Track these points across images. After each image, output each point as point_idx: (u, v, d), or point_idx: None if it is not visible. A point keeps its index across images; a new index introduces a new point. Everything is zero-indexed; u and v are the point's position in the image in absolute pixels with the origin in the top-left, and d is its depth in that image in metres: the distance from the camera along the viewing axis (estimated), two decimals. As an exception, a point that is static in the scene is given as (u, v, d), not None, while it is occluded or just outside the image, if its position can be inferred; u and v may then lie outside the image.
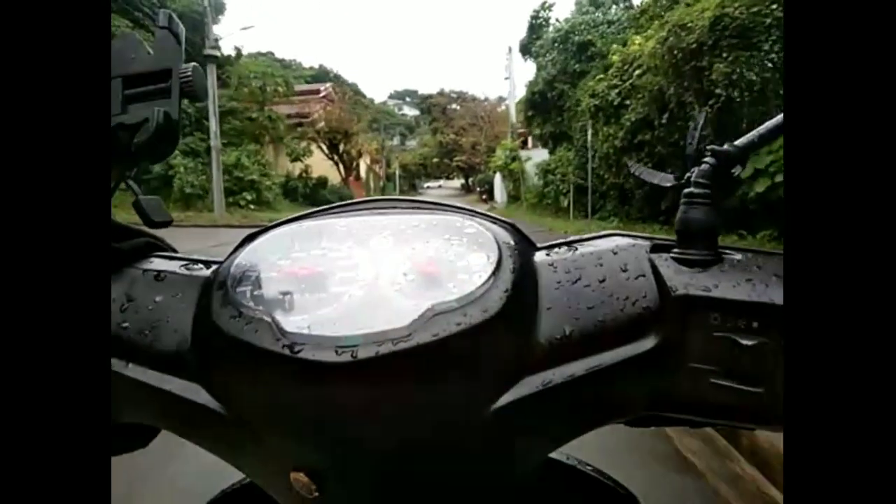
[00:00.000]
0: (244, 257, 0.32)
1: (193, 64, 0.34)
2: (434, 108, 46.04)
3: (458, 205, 0.36)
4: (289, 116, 21.88)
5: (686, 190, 0.31)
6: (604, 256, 0.32)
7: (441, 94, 46.16)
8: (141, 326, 0.33)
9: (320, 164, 23.88)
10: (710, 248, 0.30)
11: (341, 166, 24.97)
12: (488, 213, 0.36)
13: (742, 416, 0.29)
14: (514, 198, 19.47)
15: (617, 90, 9.96)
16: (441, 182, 58.98)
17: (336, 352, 0.26)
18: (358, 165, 31.47)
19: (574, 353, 0.29)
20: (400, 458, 0.29)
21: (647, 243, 0.32)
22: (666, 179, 0.35)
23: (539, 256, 0.33)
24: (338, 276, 0.30)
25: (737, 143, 0.32)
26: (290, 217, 0.36)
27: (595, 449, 0.53)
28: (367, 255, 0.31)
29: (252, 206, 15.53)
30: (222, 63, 17.51)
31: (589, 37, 15.02)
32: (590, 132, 10.89)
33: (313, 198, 19.54)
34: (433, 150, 45.34)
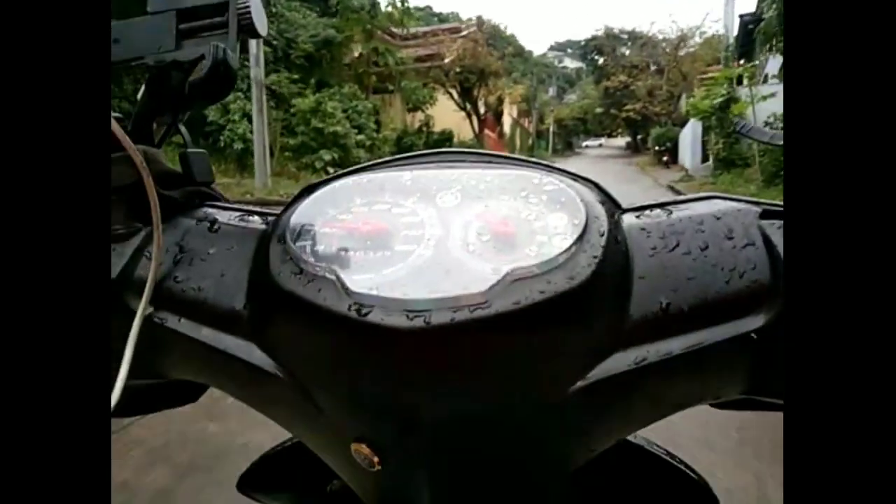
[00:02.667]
0: (303, 210, 0.30)
1: None
2: (599, 51, 38.41)
3: (535, 159, 0.33)
4: (420, 60, 17.04)
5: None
6: (705, 221, 0.29)
7: (607, 34, 38.21)
8: (193, 280, 0.32)
9: (449, 115, 18.77)
10: None
11: (474, 117, 19.49)
12: (569, 171, 0.32)
13: None
14: (725, 162, 12.52)
15: None
16: (602, 140, 51.40)
17: (408, 316, 0.24)
18: (500, 118, 25.83)
19: (671, 329, 0.27)
20: (469, 433, 0.27)
21: (756, 208, 0.29)
22: (777, 138, 0.29)
23: (628, 219, 0.30)
24: (403, 233, 0.28)
25: None
26: (350, 168, 0.34)
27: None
28: (435, 212, 0.29)
29: (331, 170, 10.77)
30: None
31: None
32: None
33: (431, 159, 14.36)
34: (595, 101, 38.05)
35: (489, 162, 0.33)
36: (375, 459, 0.27)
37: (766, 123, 12.14)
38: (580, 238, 0.26)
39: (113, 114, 0.30)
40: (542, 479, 0.30)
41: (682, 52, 25.57)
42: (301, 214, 0.30)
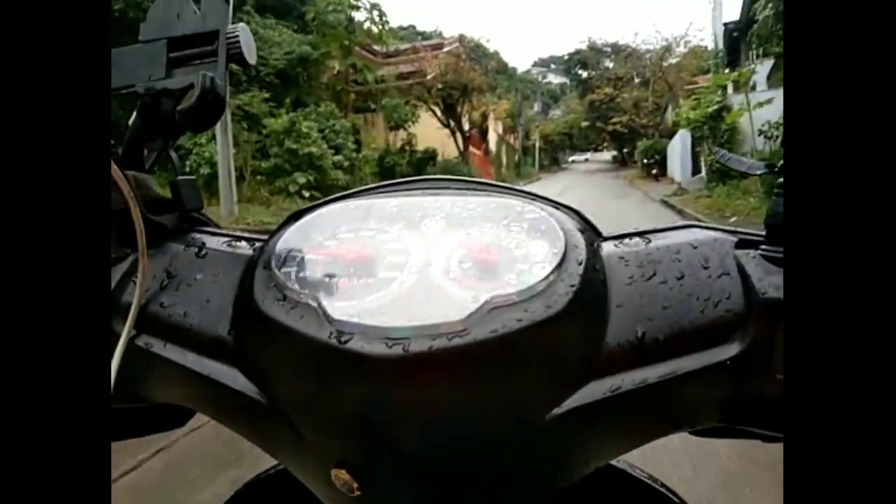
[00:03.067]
0: (289, 236, 0.31)
1: (242, 24, 0.33)
2: (583, 65, 38.33)
3: (518, 187, 0.34)
4: (402, 77, 16.54)
5: (781, 180, 0.28)
6: (682, 250, 0.29)
7: (591, 47, 38.17)
8: (179, 304, 0.32)
9: (433, 133, 18.23)
10: None
11: (458, 134, 18.97)
12: (550, 198, 0.33)
13: None
14: (720, 173, 12.02)
15: None
16: (588, 155, 51.31)
17: (387, 344, 0.25)
18: (485, 135, 25.42)
19: (647, 358, 0.27)
20: (449, 459, 0.28)
21: (731, 238, 0.30)
22: (755, 167, 0.31)
23: (608, 248, 0.30)
24: (387, 260, 0.29)
25: None
26: (338, 195, 0.34)
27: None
28: (419, 239, 0.29)
29: (306, 194, 10.05)
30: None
31: None
32: None
33: (414, 178, 13.75)
34: (580, 116, 37.86)
35: (473, 189, 0.33)
36: (355, 485, 0.27)
37: (760, 132, 11.68)
38: (558, 266, 0.26)
39: None
40: (527, 502, 0.30)
41: (666, 63, 25.34)
42: (287, 241, 0.30)
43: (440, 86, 17.36)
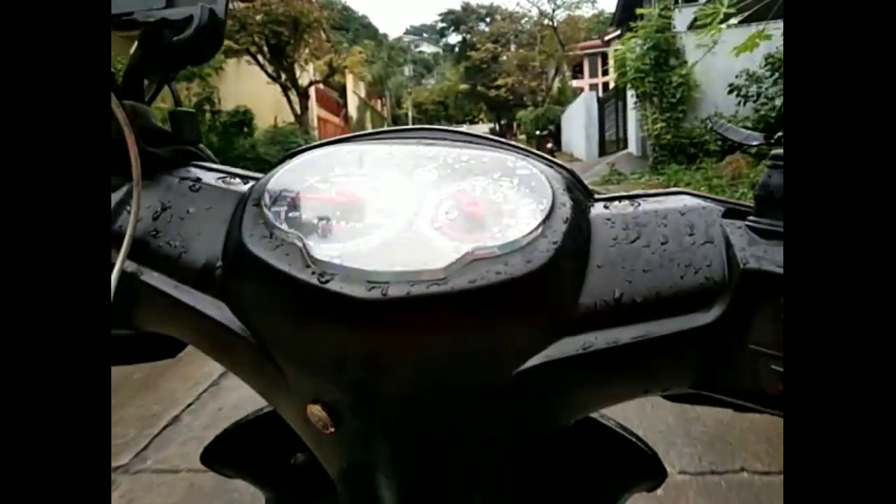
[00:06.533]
0: (283, 176, 0.31)
1: None
2: (455, 25, 34.16)
3: (514, 143, 0.34)
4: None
5: (774, 151, 0.28)
6: (669, 216, 0.29)
7: (466, 8, 34.06)
8: (171, 236, 0.32)
9: (263, 90, 12.88)
10: None
11: (292, 92, 13.60)
12: (545, 156, 0.33)
13: None
14: (670, 148, 8.12)
15: None
16: (465, 126, 47.90)
17: (366, 287, 0.25)
18: (344, 98, 20.33)
19: (622, 319, 0.27)
20: (420, 404, 0.28)
21: (719, 207, 0.30)
22: (753, 138, 0.32)
23: (596, 208, 0.31)
24: (376, 205, 0.29)
25: None
26: (334, 138, 0.35)
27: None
28: (409, 187, 0.30)
29: None
30: None
31: None
32: None
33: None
34: (456, 84, 33.80)
35: (469, 142, 0.33)
36: (330, 421, 0.28)
37: (732, 88, 7.96)
38: (543, 223, 0.27)
39: None
40: (496, 452, 0.31)
41: (557, 18, 21.66)
42: (279, 180, 0.31)
43: (259, 18, 11.98)
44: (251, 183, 0.33)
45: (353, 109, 22.07)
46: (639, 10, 8.45)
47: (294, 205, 0.29)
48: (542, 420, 0.30)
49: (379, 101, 29.41)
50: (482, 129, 41.69)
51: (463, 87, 32.00)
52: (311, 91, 14.62)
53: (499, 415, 0.29)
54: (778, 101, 7.20)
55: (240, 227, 0.29)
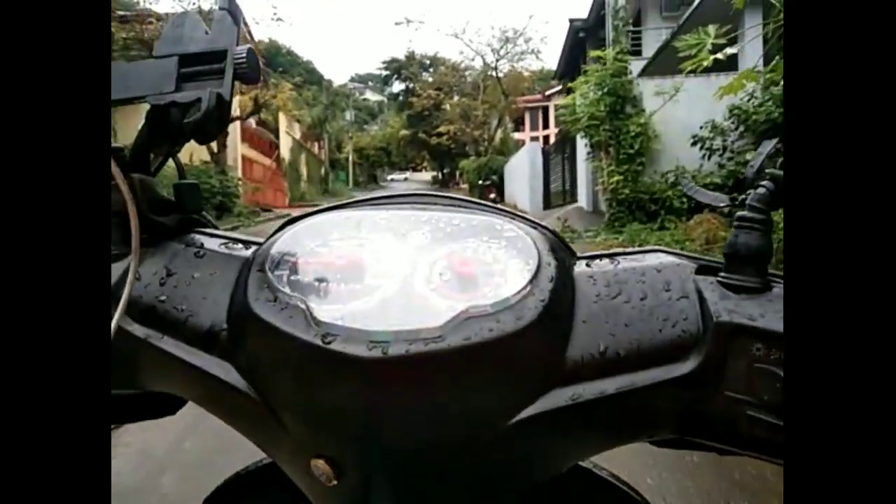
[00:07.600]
0: (284, 241, 0.33)
1: (248, 46, 0.36)
2: (398, 72, 33.77)
3: (501, 206, 0.36)
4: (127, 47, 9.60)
5: (740, 213, 0.30)
6: (647, 273, 0.31)
7: (410, 57, 33.85)
8: (178, 301, 0.34)
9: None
10: (760, 276, 0.29)
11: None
12: (530, 217, 0.35)
13: (776, 451, 0.28)
14: (628, 204, 7.27)
15: None
16: (408, 174, 47.21)
17: (368, 347, 0.27)
18: (276, 140, 19.01)
19: (606, 370, 0.29)
20: (420, 456, 0.30)
21: (692, 264, 0.32)
22: (720, 200, 0.34)
23: (579, 267, 0.33)
24: (374, 268, 0.30)
25: None
26: (330, 206, 0.37)
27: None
28: (405, 250, 0.31)
29: None
30: None
31: None
32: None
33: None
34: (398, 130, 33.14)
35: (458, 206, 0.36)
36: (332, 475, 0.29)
37: (696, 140, 7.25)
38: (531, 282, 0.29)
39: (113, 145, 0.33)
40: (493, 501, 0.32)
41: (502, 69, 21.37)
42: (281, 245, 0.32)
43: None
44: (253, 248, 0.35)
45: (285, 150, 20.74)
46: (593, 53, 7.74)
47: (296, 269, 0.31)
48: (536, 468, 0.32)
49: (317, 144, 28.18)
50: (425, 177, 41.12)
51: (405, 132, 31.30)
52: (233, 128, 13.28)
53: (494, 464, 0.30)
54: (749, 156, 6.53)
55: (245, 291, 0.30)
